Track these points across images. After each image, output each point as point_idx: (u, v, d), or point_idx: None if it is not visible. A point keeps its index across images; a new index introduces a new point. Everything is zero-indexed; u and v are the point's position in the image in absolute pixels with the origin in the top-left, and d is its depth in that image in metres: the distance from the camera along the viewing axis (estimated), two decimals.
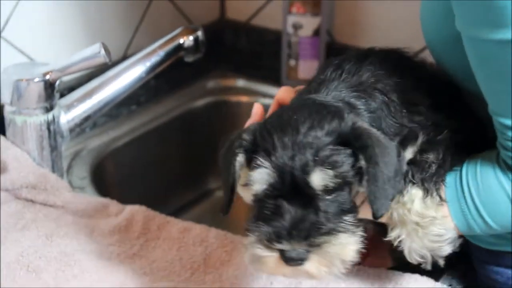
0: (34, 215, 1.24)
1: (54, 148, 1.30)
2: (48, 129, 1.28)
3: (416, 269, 1.10)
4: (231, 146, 0.94)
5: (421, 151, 0.96)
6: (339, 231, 0.88)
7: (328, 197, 0.88)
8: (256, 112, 1.09)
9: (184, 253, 1.16)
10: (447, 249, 0.95)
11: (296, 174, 0.87)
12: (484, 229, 0.95)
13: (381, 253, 1.14)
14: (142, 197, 1.38)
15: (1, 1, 1.38)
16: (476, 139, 1.00)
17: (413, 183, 0.94)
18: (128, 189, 1.52)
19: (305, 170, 0.86)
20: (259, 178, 0.89)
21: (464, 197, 0.94)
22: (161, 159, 1.61)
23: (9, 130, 1.29)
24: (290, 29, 1.66)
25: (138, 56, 1.34)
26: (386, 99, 0.96)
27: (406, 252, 0.96)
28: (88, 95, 1.31)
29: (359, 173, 0.89)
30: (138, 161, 1.56)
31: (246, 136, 0.92)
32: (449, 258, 1.15)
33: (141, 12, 1.67)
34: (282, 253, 0.87)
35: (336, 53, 1.55)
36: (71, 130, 1.31)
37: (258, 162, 0.89)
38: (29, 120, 1.27)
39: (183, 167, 1.67)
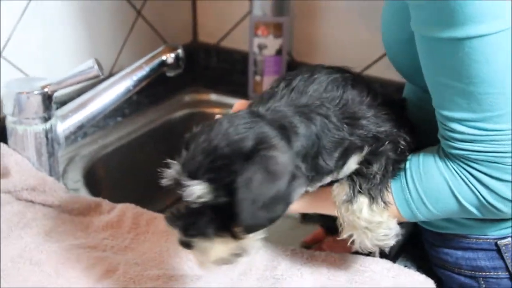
0: (34, 214, 1.19)
1: (51, 154, 1.26)
2: (46, 137, 1.24)
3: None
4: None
5: (366, 162, 0.94)
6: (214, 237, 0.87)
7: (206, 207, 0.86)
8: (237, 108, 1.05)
9: (171, 244, 1.13)
10: (391, 243, 0.95)
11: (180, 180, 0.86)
12: (427, 215, 0.93)
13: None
14: (128, 198, 1.35)
15: (2, 22, 1.34)
16: (416, 146, 0.98)
17: (361, 193, 0.93)
18: (116, 190, 1.48)
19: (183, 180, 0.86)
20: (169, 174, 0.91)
21: (408, 187, 0.92)
22: (144, 164, 1.57)
23: (11, 139, 1.24)
24: (256, 49, 1.65)
25: (125, 71, 1.31)
26: (326, 121, 0.92)
27: (357, 247, 0.96)
28: (82, 106, 1.27)
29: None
30: (124, 166, 1.52)
31: (188, 135, 0.93)
32: (402, 244, 1.15)
33: (125, 35, 1.64)
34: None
35: (295, 69, 1.55)
36: (67, 138, 1.27)
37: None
38: (29, 129, 1.22)
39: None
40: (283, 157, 0.85)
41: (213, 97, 1.74)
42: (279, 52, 1.64)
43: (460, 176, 0.88)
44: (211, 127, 0.88)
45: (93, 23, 1.55)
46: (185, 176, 0.86)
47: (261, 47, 1.64)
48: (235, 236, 0.86)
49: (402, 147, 0.95)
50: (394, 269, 1.05)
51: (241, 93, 1.71)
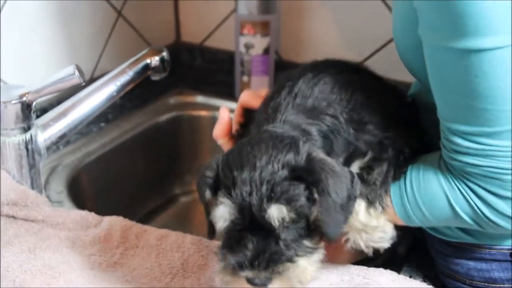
0: (16, 230, 1.11)
1: (32, 165, 1.17)
2: (26, 148, 1.15)
3: (379, 264, 1.04)
4: (200, 181, 0.86)
5: (368, 167, 0.90)
6: (298, 256, 0.82)
7: (286, 227, 0.81)
8: (223, 117, 1.01)
9: (163, 259, 1.06)
10: (386, 246, 0.92)
11: (254, 210, 0.80)
12: (423, 221, 0.90)
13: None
14: (115, 206, 1.29)
15: None
16: (421, 150, 0.94)
17: (359, 196, 0.89)
18: (102, 199, 1.41)
19: (262, 207, 0.79)
20: (220, 215, 0.82)
21: (406, 192, 0.89)
22: (130, 170, 1.51)
23: None
24: (242, 49, 1.58)
25: (108, 76, 1.23)
26: (337, 122, 0.89)
27: (351, 246, 0.93)
28: (63, 114, 1.18)
29: (315, 202, 0.82)
30: (109, 173, 1.45)
31: (209, 173, 0.85)
32: (407, 251, 1.10)
33: (105, 37, 1.56)
34: (247, 279, 0.81)
35: (283, 68, 1.49)
36: (48, 148, 1.19)
37: (219, 200, 0.82)
38: (8, 140, 1.13)
39: (149, 176, 1.57)
40: (331, 159, 0.84)
41: (199, 99, 1.67)
42: (266, 51, 1.57)
43: (459, 189, 0.85)
44: (241, 160, 0.82)
45: (72, 24, 1.47)
46: (257, 208, 0.80)
47: (248, 46, 1.57)
48: (312, 250, 0.83)
49: (406, 155, 0.91)
50: (400, 281, 0.99)
51: (228, 94, 1.65)
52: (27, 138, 1.15)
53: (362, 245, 0.91)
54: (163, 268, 1.04)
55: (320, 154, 0.84)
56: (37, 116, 1.19)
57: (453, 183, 0.85)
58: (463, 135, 0.81)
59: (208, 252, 1.06)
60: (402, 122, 0.93)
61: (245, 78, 1.61)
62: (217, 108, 1.61)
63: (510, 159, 0.80)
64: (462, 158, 0.83)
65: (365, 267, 1.01)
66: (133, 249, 1.08)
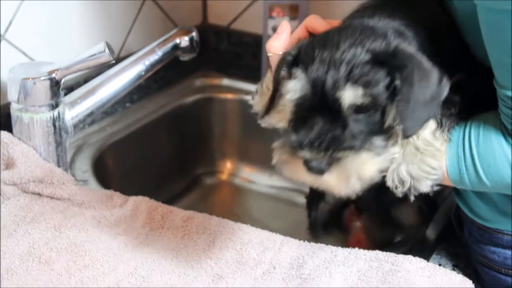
0: (42, 208, 1.10)
1: (59, 143, 1.17)
2: (54, 125, 1.14)
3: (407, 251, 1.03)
4: (280, 60, 0.85)
5: (452, 90, 0.84)
6: (362, 149, 0.78)
7: (357, 116, 0.78)
8: (284, 29, 0.94)
9: (189, 241, 1.05)
10: (427, 186, 0.84)
11: (326, 89, 0.78)
12: (474, 182, 0.85)
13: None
14: (139, 186, 1.28)
15: (4, 4, 1.24)
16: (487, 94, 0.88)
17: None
18: (127, 180, 1.40)
19: (336, 86, 0.77)
20: (293, 88, 0.80)
21: (464, 147, 0.85)
22: (154, 151, 1.50)
23: (16, 127, 1.15)
24: (270, 32, 1.56)
25: (137, 55, 1.22)
26: (420, 39, 0.86)
27: (389, 172, 0.84)
28: (91, 92, 1.18)
29: (393, 95, 0.79)
30: (134, 154, 1.44)
31: (291, 51, 0.84)
32: (437, 238, 1.08)
33: (133, 17, 1.55)
34: (305, 161, 0.78)
35: None
36: (75, 126, 1.18)
37: (296, 74, 0.80)
38: (36, 117, 1.13)
39: (174, 158, 1.56)
40: (422, 56, 0.80)
41: (225, 81, 1.65)
42: None
43: None
44: (325, 41, 0.80)
45: (100, 4, 1.46)
46: (331, 86, 0.78)
47: (276, 29, 1.55)
48: (379, 150, 0.80)
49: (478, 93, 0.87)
50: (429, 269, 0.97)
51: (254, 77, 1.62)
52: (55, 116, 1.14)
53: (404, 172, 0.84)
54: (189, 250, 1.03)
55: (410, 48, 0.81)
56: (65, 94, 1.19)
57: None
58: None
59: (233, 234, 1.06)
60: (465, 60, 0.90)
61: None
62: (243, 92, 1.61)
63: None
64: None
65: (393, 254, 1.00)
66: (159, 230, 1.07)
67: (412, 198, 0.86)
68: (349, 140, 0.78)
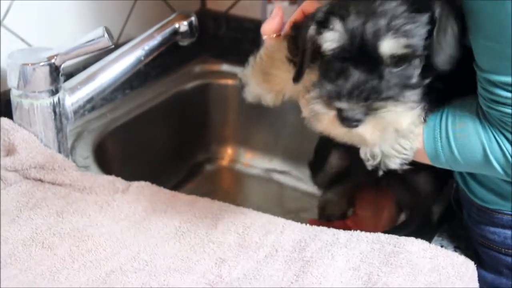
0: (44, 194, 1.11)
1: (59, 129, 1.17)
2: (54, 111, 1.14)
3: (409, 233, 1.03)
4: (307, 20, 0.85)
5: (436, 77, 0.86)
6: (398, 101, 0.79)
7: (394, 68, 0.79)
8: (277, 13, 0.99)
9: (191, 225, 1.05)
10: (396, 164, 0.88)
11: (366, 39, 0.78)
12: (450, 161, 0.88)
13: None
14: (139, 172, 1.28)
15: None
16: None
17: None
18: (127, 165, 1.40)
19: (376, 36, 0.78)
20: (330, 38, 0.80)
21: (440, 127, 0.87)
22: (155, 137, 1.50)
23: (16, 113, 1.15)
24: (269, 16, 1.55)
25: (136, 41, 1.22)
26: None
27: (364, 141, 0.84)
28: (91, 78, 1.18)
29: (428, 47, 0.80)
30: (134, 139, 1.44)
31: (320, 9, 0.84)
32: (439, 220, 1.08)
33: (131, 3, 1.54)
34: (339, 113, 0.78)
35: None
36: (75, 112, 1.18)
37: (331, 25, 0.80)
38: (36, 103, 1.13)
39: (174, 144, 1.56)
40: None
41: (224, 67, 1.65)
42: None
43: (495, 137, 0.84)
44: None
45: None
46: (371, 36, 0.78)
47: None
48: (413, 105, 0.80)
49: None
50: (431, 250, 0.98)
51: None
52: (55, 101, 1.14)
53: (376, 149, 0.87)
54: (191, 234, 1.03)
55: None
56: (65, 80, 1.19)
57: (489, 131, 0.84)
58: (503, 85, 0.80)
59: (235, 218, 1.06)
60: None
61: None
62: None
63: None
64: (501, 108, 0.81)
65: (395, 236, 1.00)
66: (161, 215, 1.08)
67: (380, 173, 0.89)
68: (386, 92, 0.78)
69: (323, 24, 0.82)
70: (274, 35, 0.98)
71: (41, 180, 1.13)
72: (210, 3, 1.77)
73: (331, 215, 1.27)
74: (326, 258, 0.97)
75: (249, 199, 1.53)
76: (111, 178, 1.15)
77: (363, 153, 0.88)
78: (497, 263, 0.96)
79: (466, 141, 0.85)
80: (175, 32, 1.25)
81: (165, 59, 1.57)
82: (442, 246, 1.00)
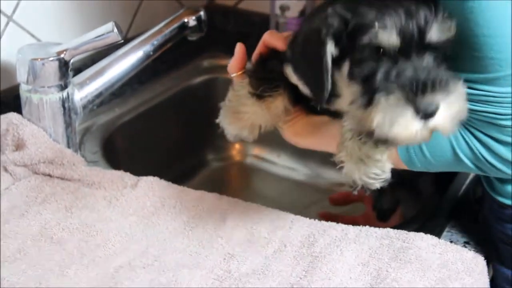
0: (53, 189, 1.11)
1: (68, 124, 1.17)
2: (63, 106, 1.15)
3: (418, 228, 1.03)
4: (313, 36, 0.81)
5: None
6: (455, 88, 0.79)
7: (436, 54, 0.80)
8: (239, 51, 1.02)
9: (200, 220, 1.05)
10: (376, 186, 0.88)
11: (419, 27, 0.78)
12: (424, 163, 0.89)
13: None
14: (148, 167, 1.28)
15: None
16: None
17: None
18: (135, 160, 1.40)
19: (427, 22, 0.78)
20: (387, 37, 0.78)
21: None
22: (163, 132, 1.50)
23: (25, 108, 1.15)
24: (278, 11, 1.55)
25: (145, 36, 1.22)
26: None
27: (343, 174, 0.89)
28: (100, 73, 1.18)
29: None
30: (143, 134, 1.44)
31: (332, 20, 0.80)
32: (448, 215, 1.08)
33: None
34: (416, 108, 0.76)
35: None
36: (84, 107, 1.18)
37: (375, 29, 0.78)
38: (45, 98, 1.13)
39: (182, 139, 1.56)
40: None
41: None
42: (302, 13, 1.54)
43: (461, 134, 0.86)
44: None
45: None
46: (422, 25, 0.79)
47: (284, 8, 1.54)
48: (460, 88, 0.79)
49: None
50: (441, 245, 0.97)
51: None
52: (64, 96, 1.14)
53: (356, 177, 0.87)
54: (199, 229, 1.03)
55: None
56: (73, 76, 1.19)
57: (456, 130, 0.84)
58: (465, 81, 0.81)
59: (244, 213, 1.06)
60: None
61: None
62: None
63: (507, 105, 0.81)
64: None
65: (405, 231, 1.00)
66: (170, 210, 1.08)
67: (368, 193, 0.90)
68: (445, 76, 0.78)
69: (339, 35, 0.80)
70: (240, 72, 1.01)
71: (50, 175, 1.14)
72: None
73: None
74: (335, 253, 0.97)
75: (258, 194, 1.52)
76: (120, 173, 1.15)
77: (345, 180, 0.89)
78: None
79: (435, 142, 0.86)
80: (184, 27, 1.25)
81: (174, 54, 1.56)
82: (451, 242, 1.00)
